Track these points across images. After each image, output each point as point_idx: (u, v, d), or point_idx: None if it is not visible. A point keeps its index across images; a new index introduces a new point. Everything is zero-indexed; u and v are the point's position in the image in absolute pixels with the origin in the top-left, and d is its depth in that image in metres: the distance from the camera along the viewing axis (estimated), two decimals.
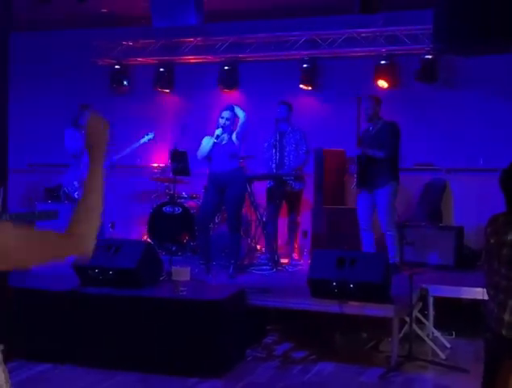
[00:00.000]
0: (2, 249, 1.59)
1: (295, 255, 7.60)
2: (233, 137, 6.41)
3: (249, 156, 7.52)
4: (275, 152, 7.32)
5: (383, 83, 8.13)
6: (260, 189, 7.46)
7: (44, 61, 9.31)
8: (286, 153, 7.36)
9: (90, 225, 1.69)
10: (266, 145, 7.50)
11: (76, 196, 7.06)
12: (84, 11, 8.05)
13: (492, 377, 2.82)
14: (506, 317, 2.78)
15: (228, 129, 6.44)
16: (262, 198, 7.45)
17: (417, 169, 8.08)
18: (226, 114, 6.43)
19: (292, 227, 7.55)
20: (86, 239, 1.68)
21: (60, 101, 8.99)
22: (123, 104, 9.05)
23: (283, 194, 7.29)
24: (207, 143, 6.46)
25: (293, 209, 7.52)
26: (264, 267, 6.88)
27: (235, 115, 6.45)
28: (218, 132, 6.40)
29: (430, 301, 5.79)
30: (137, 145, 7.30)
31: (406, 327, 5.31)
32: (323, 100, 8.56)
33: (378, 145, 6.46)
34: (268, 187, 7.43)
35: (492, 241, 2.87)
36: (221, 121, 6.41)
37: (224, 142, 6.46)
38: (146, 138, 7.33)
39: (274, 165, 7.34)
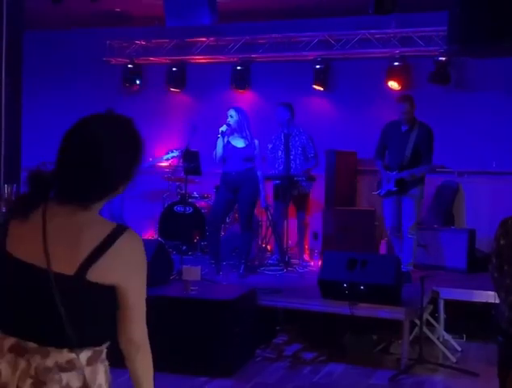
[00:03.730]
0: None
1: (306, 256, 7.59)
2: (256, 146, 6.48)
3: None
4: (281, 154, 7.26)
5: (394, 85, 8.10)
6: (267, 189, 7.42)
7: (58, 59, 9.37)
8: (292, 157, 7.21)
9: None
10: (270, 146, 7.39)
11: None
12: (98, 10, 8.09)
13: (503, 380, 2.80)
14: None
15: (236, 130, 6.43)
16: (269, 198, 7.42)
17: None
18: (230, 112, 6.47)
19: (301, 228, 7.52)
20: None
21: (73, 99, 9.03)
22: (136, 103, 9.07)
23: (291, 194, 7.25)
24: (219, 143, 6.49)
25: (302, 210, 7.48)
26: (275, 268, 6.87)
27: (242, 116, 6.48)
28: (223, 128, 6.42)
29: (441, 303, 5.77)
30: (160, 160, 7.19)
31: (417, 330, 5.29)
32: (335, 101, 8.54)
33: (417, 152, 6.30)
34: (275, 185, 7.30)
35: (502, 242, 2.88)
36: (227, 120, 6.45)
37: (238, 144, 6.45)
38: (170, 155, 7.25)
39: (281, 166, 7.27)
